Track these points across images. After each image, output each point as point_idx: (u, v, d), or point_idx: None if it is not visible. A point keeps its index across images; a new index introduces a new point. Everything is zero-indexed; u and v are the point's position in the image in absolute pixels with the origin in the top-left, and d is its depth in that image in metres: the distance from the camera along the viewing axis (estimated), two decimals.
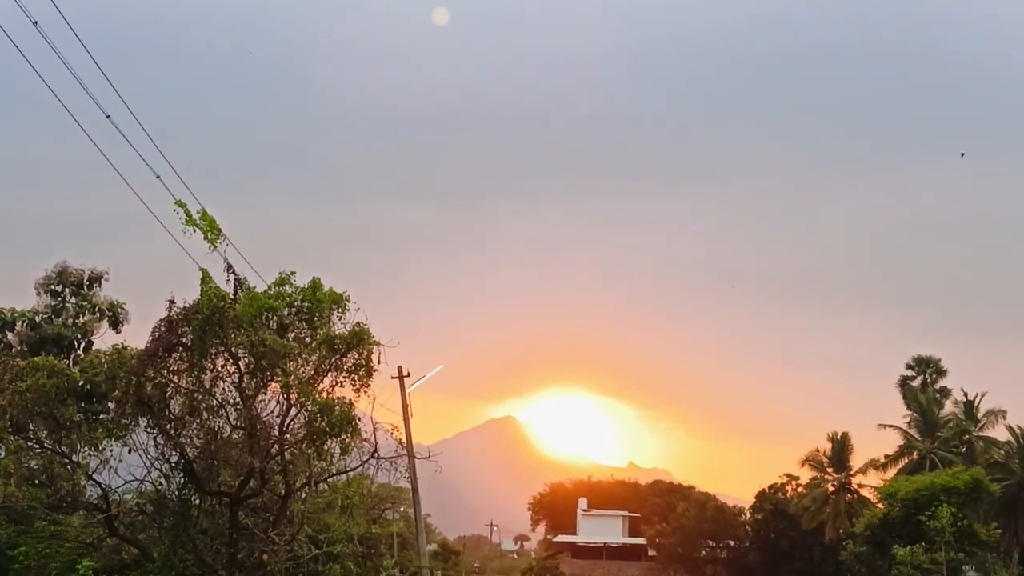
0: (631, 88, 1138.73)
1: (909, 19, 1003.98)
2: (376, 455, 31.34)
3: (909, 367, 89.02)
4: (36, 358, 31.50)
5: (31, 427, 30.48)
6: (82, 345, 43.05)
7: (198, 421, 29.91)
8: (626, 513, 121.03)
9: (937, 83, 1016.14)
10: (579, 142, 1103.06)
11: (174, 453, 30.10)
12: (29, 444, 31.12)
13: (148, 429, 29.88)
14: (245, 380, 29.49)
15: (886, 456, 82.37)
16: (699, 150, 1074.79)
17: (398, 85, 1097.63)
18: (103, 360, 31.10)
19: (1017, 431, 77.07)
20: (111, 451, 30.64)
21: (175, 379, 29.43)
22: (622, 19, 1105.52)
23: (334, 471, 32.31)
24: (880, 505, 65.96)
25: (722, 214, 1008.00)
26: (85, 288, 44.75)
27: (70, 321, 43.48)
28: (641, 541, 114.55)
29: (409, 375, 45.95)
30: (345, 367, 29.75)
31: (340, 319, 29.93)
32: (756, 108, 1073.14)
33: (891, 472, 79.87)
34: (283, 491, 30.65)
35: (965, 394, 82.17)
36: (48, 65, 20.43)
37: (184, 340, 28.67)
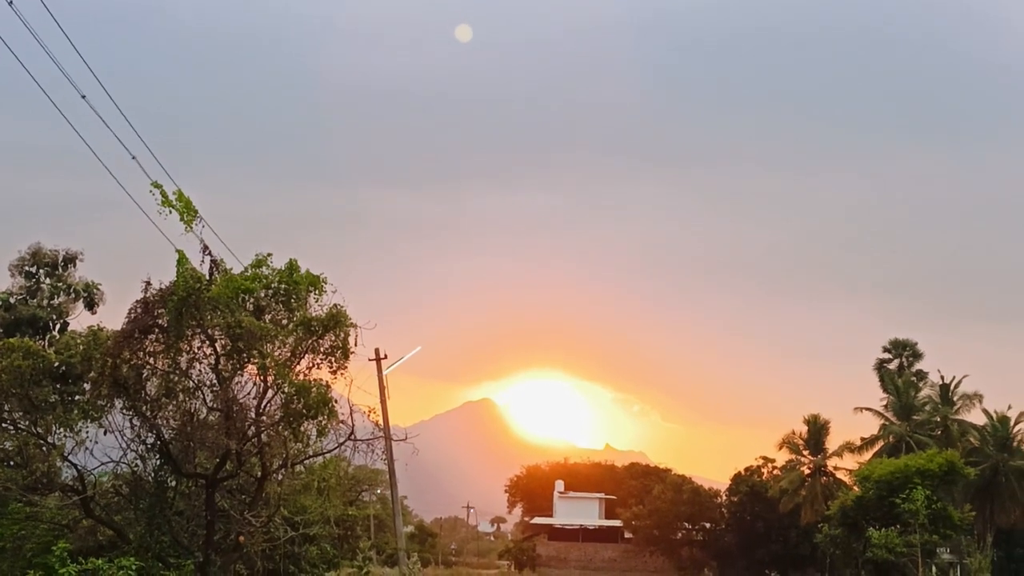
0: (613, 72, 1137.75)
1: (893, 5, 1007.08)
2: (353, 437, 31.34)
3: (886, 350, 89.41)
4: (11, 339, 31.40)
5: (6, 408, 30.33)
6: (57, 326, 42.84)
7: (174, 403, 29.78)
8: (602, 495, 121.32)
9: (919, 70, 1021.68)
10: (559, 126, 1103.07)
11: (150, 435, 29.95)
12: (4, 425, 30.99)
13: (124, 411, 29.70)
14: (222, 362, 29.35)
15: (862, 439, 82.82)
16: (679, 135, 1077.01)
17: (377, 68, 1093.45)
18: (79, 341, 31.00)
19: (993, 415, 77.85)
20: (87, 432, 30.55)
21: (151, 360, 29.25)
22: None
23: (311, 453, 32.27)
24: (855, 488, 66.30)
25: (700, 199, 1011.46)
26: (60, 269, 44.48)
27: (45, 302, 43.23)
28: (617, 523, 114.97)
29: (386, 357, 46.02)
30: (322, 349, 29.62)
31: (317, 301, 29.80)
32: (738, 93, 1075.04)
33: (867, 455, 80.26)
34: (260, 473, 30.56)
35: (942, 377, 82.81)
36: (23, 44, 20.24)
37: (160, 321, 28.51)
